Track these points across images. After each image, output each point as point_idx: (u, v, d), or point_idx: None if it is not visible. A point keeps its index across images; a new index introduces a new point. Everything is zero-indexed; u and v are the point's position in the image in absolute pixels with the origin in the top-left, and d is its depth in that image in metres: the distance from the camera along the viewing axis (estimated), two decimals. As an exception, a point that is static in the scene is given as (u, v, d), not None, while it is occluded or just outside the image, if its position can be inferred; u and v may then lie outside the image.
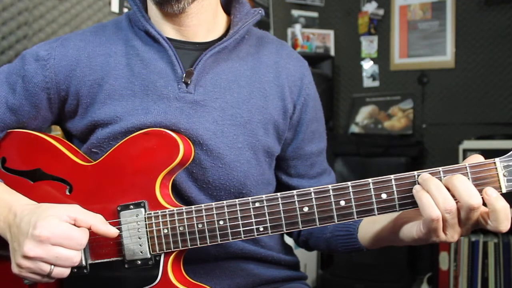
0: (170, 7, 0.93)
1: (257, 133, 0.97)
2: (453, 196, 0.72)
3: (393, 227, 0.84)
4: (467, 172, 0.73)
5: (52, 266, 0.78)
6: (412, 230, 0.79)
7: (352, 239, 0.96)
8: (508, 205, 0.72)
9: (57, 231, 0.78)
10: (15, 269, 0.81)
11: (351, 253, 1.01)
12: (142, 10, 0.97)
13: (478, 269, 2.64)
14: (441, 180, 0.73)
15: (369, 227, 0.93)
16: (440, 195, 0.72)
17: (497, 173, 0.73)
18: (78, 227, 0.81)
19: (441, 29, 3.21)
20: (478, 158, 0.75)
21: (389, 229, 0.86)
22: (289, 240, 1.19)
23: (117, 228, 0.86)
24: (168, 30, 0.98)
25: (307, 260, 2.97)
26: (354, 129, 3.36)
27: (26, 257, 0.78)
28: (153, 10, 0.99)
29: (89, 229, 0.82)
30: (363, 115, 3.38)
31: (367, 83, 3.45)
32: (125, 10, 1.95)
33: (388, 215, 0.84)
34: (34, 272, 0.79)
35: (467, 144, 2.71)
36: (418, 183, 0.75)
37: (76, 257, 0.80)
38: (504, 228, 0.72)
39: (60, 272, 0.80)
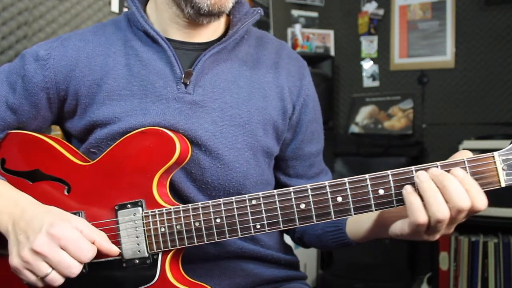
0: (205, 19, 0.94)
1: (257, 133, 0.97)
2: (442, 196, 0.71)
3: (378, 220, 0.84)
4: (465, 167, 0.72)
5: (50, 269, 0.78)
6: (395, 227, 0.78)
7: (340, 234, 0.97)
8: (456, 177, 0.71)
9: (70, 236, 0.79)
10: (14, 261, 0.80)
11: (342, 248, 1.00)
12: (141, 10, 0.97)
13: (478, 269, 2.64)
14: None
15: (356, 221, 0.93)
16: (435, 202, 0.70)
17: (496, 167, 0.72)
18: None
19: (441, 29, 3.21)
20: (467, 154, 0.74)
21: (375, 223, 0.86)
22: (289, 240, 1.19)
23: (114, 227, 0.87)
24: (173, 32, 0.98)
25: (307, 260, 2.97)
26: (354, 129, 3.36)
27: (33, 251, 0.78)
28: (160, 10, 0.98)
29: (92, 243, 0.82)
30: (363, 115, 3.38)
31: (367, 83, 3.45)
32: (125, 10, 1.95)
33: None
34: (30, 269, 0.79)
35: (467, 144, 2.71)
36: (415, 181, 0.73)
37: (77, 268, 0.79)
38: (481, 203, 0.71)
39: (55, 278, 0.79)
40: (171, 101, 0.93)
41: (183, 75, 0.94)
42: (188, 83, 0.93)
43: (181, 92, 0.93)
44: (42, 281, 0.80)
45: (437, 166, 0.74)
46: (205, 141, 0.93)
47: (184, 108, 0.93)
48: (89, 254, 0.80)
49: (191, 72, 0.94)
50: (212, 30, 1.00)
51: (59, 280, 0.80)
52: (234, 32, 0.98)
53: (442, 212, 0.70)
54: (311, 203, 0.79)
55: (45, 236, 0.78)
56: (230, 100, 0.96)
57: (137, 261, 0.86)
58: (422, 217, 0.71)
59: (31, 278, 0.80)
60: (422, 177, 0.72)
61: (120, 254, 0.86)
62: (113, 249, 0.84)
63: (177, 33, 0.98)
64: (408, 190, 0.73)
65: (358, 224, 0.92)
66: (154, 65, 0.95)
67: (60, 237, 0.78)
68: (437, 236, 0.75)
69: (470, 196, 0.70)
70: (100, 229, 0.85)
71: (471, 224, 2.56)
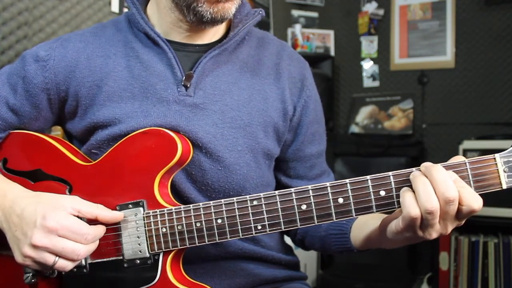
0: (207, 25, 0.94)
1: (257, 135, 0.97)
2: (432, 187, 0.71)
3: (381, 226, 0.83)
4: (466, 168, 0.73)
5: (57, 258, 0.80)
6: (391, 225, 0.77)
7: (344, 239, 0.96)
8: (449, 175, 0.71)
9: (66, 224, 0.79)
10: (19, 258, 0.82)
11: (343, 253, 1.00)
12: (141, 12, 0.97)
13: (478, 269, 2.64)
14: None
15: (361, 228, 0.93)
16: (424, 192, 0.70)
17: (497, 169, 0.72)
18: (81, 218, 0.83)
19: (441, 29, 3.21)
20: (460, 159, 0.74)
21: (378, 230, 0.85)
22: (289, 240, 1.19)
23: (116, 227, 0.87)
24: (174, 34, 0.98)
25: (307, 260, 2.97)
26: (354, 129, 3.36)
27: (33, 246, 0.79)
28: (162, 14, 0.97)
29: (96, 219, 0.83)
30: (363, 115, 3.38)
31: (367, 83, 3.45)
32: (125, 10, 1.95)
33: (379, 217, 0.83)
34: (38, 262, 0.80)
35: (467, 144, 2.71)
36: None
37: (82, 249, 0.81)
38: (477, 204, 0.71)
39: (64, 265, 0.81)
40: (171, 104, 0.93)
41: (184, 78, 0.93)
42: (188, 85, 0.93)
43: (182, 94, 0.93)
44: (52, 270, 0.82)
45: None
46: (205, 143, 0.93)
47: (185, 110, 0.93)
48: (89, 236, 0.81)
49: (191, 75, 0.94)
50: (213, 32, 1.00)
51: (69, 265, 0.81)
52: (235, 34, 0.98)
53: (431, 202, 0.70)
54: (312, 204, 0.79)
55: (41, 230, 0.79)
56: (230, 102, 0.95)
57: (138, 261, 0.86)
58: (413, 210, 0.71)
59: (42, 268, 0.82)
60: (415, 173, 0.74)
61: (121, 254, 0.86)
62: (116, 216, 0.85)
63: (179, 35, 0.98)
64: (403, 189, 0.74)
65: (362, 231, 0.91)
66: (155, 67, 0.94)
67: (57, 227, 0.79)
68: (434, 234, 0.74)
69: (460, 193, 0.70)
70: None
71: (471, 224, 2.55)
